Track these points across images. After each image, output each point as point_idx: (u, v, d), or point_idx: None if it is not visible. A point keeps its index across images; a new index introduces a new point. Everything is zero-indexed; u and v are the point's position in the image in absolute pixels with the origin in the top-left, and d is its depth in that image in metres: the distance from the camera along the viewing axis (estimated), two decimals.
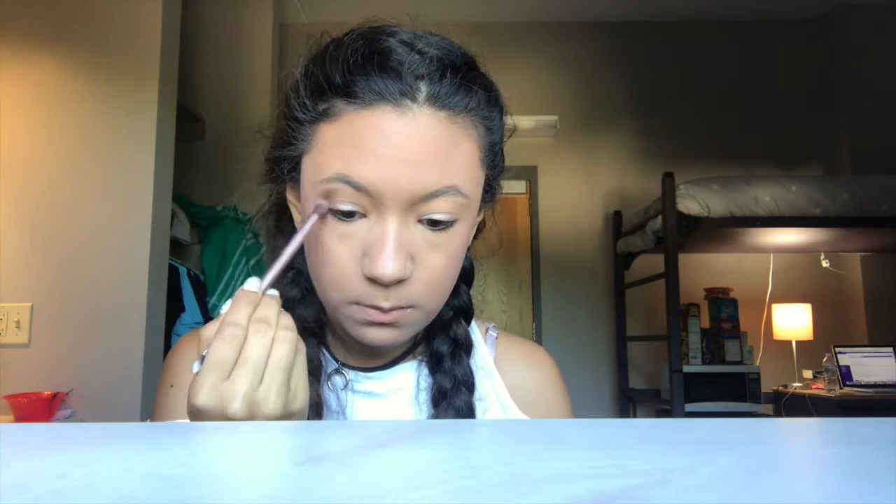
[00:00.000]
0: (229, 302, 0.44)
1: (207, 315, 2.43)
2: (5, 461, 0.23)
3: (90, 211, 1.93)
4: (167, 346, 2.18)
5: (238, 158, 2.80)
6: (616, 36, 3.70)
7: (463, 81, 0.49)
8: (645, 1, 3.53)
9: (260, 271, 2.64)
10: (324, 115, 0.49)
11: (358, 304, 0.50)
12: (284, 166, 0.54)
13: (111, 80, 1.99)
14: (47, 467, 0.23)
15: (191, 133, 2.74)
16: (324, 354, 0.60)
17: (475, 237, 0.62)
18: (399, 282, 0.49)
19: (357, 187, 0.47)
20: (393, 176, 0.46)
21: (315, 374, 0.56)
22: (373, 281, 0.48)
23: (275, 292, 0.45)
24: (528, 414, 0.62)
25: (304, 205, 0.52)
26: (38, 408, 1.76)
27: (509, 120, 0.58)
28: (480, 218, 0.59)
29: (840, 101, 3.55)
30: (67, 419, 1.83)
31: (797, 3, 3.58)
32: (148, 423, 0.34)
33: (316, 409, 0.55)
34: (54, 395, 1.79)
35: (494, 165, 0.55)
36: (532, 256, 3.56)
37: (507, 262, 3.58)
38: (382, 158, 0.46)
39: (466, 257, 0.62)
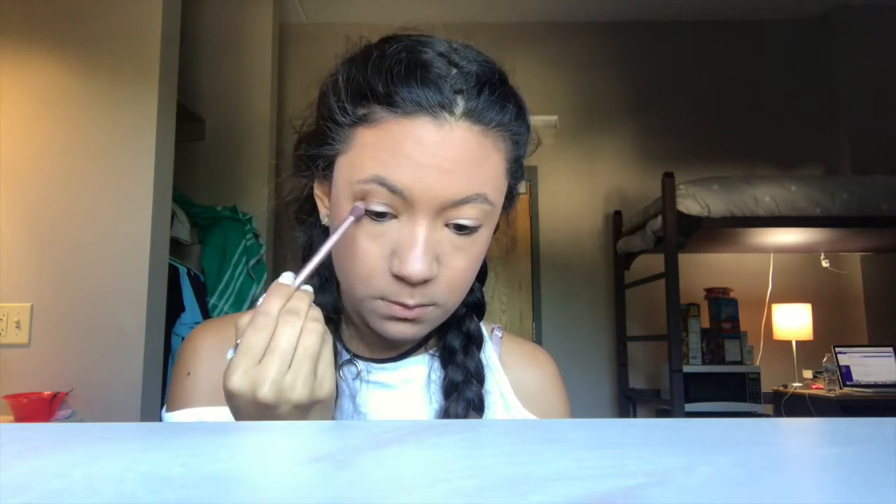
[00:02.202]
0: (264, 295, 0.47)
1: (207, 315, 2.43)
2: (5, 461, 0.23)
3: (90, 211, 1.93)
4: (167, 346, 2.18)
5: (238, 158, 2.81)
6: (616, 36, 3.70)
7: (497, 99, 0.52)
8: (645, 1, 3.53)
9: (260, 271, 2.64)
10: (363, 120, 0.52)
11: (384, 299, 0.53)
12: (319, 163, 0.56)
13: (111, 80, 1.99)
14: (47, 467, 0.23)
15: (191, 133, 2.74)
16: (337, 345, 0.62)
17: None
18: (425, 281, 0.52)
19: (392, 190, 0.50)
20: (427, 181, 0.49)
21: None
22: (400, 279, 0.51)
23: (309, 288, 0.49)
24: (528, 410, 0.65)
25: (336, 201, 0.54)
26: (38, 408, 1.76)
27: (534, 134, 0.61)
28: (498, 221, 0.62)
29: (840, 102, 3.55)
30: (67, 419, 1.83)
31: (797, 3, 3.58)
32: (148, 423, 0.34)
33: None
34: (54, 395, 1.79)
35: (517, 176, 0.58)
36: (532, 256, 3.56)
37: (507, 262, 3.58)
38: (418, 165, 0.49)
39: None
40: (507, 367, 0.67)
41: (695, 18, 3.70)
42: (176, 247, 2.45)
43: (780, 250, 3.34)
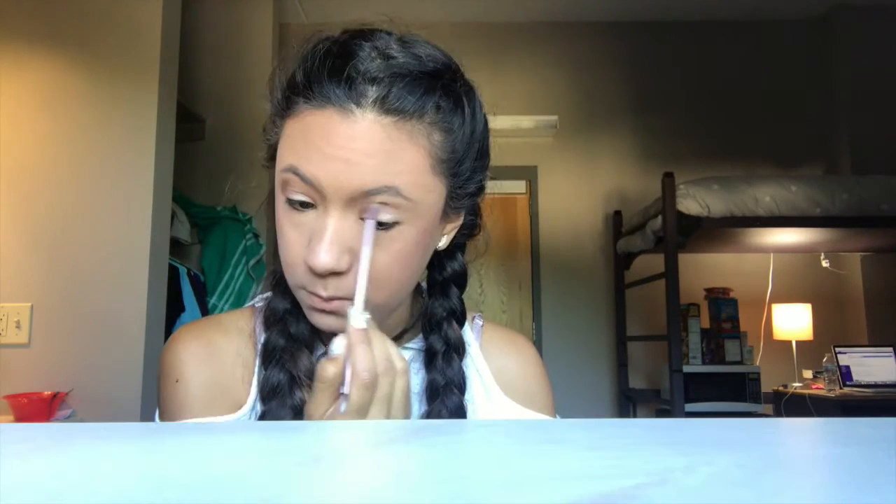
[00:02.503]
0: (338, 343, 0.48)
1: (207, 315, 2.43)
2: (5, 461, 0.23)
3: (90, 211, 1.93)
4: None
5: (238, 158, 2.81)
6: (616, 36, 3.70)
7: (417, 90, 0.51)
8: (645, 1, 3.53)
9: (260, 271, 2.64)
10: (288, 111, 0.53)
11: (304, 289, 0.54)
12: (265, 153, 0.58)
13: (111, 80, 1.99)
14: (47, 467, 0.23)
15: (191, 133, 2.73)
16: (317, 338, 0.62)
17: (462, 240, 0.64)
18: (336, 274, 0.52)
19: (304, 179, 0.51)
20: (333, 172, 0.50)
21: (312, 379, 0.58)
22: (312, 269, 0.52)
23: (367, 315, 0.49)
24: (510, 398, 0.65)
25: (276, 191, 0.55)
26: (38, 408, 1.76)
27: (491, 137, 0.60)
28: (457, 223, 0.60)
29: (840, 101, 3.55)
30: (67, 419, 1.83)
31: (797, 3, 3.58)
32: (148, 423, 0.34)
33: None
34: (54, 395, 1.79)
35: (458, 174, 0.55)
36: (532, 256, 3.56)
37: (507, 262, 3.58)
38: (325, 156, 0.50)
39: (458, 261, 0.65)
40: (488, 355, 0.67)
41: (695, 18, 3.70)
42: (176, 247, 2.45)
43: (780, 250, 3.34)
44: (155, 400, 0.65)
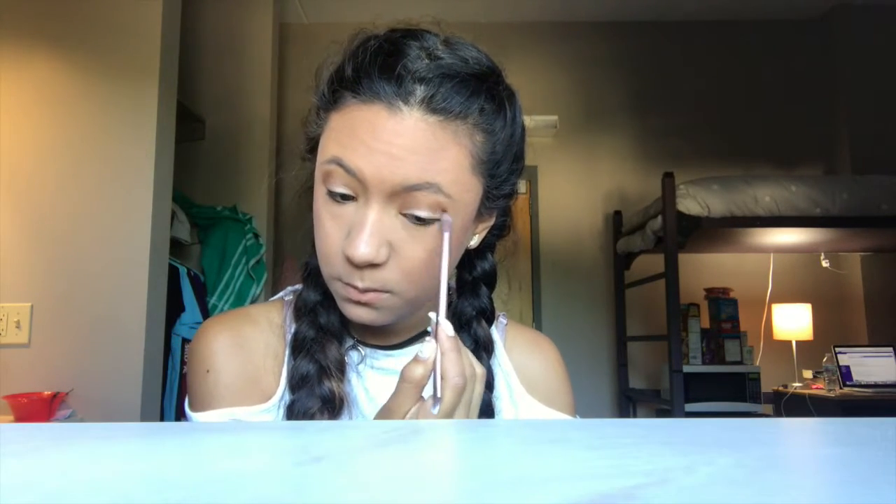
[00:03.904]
0: (429, 347, 0.49)
1: (207, 315, 2.43)
2: (5, 461, 0.23)
3: (90, 211, 1.93)
4: (167, 347, 2.18)
5: (238, 158, 2.81)
6: (616, 36, 3.70)
7: (464, 91, 0.52)
8: (645, 1, 3.53)
9: (260, 271, 2.64)
10: (334, 104, 0.54)
11: (340, 280, 0.54)
12: (305, 145, 0.60)
13: (111, 80, 1.99)
14: (47, 467, 0.23)
15: (191, 133, 2.73)
16: (345, 330, 0.63)
17: (493, 240, 0.66)
18: (373, 266, 0.52)
19: (348, 171, 0.51)
20: (377, 166, 0.51)
21: (341, 370, 0.60)
22: (349, 260, 0.52)
23: (449, 326, 0.50)
24: (532, 396, 0.66)
25: (315, 183, 0.56)
26: (38, 408, 1.76)
27: (528, 137, 0.61)
28: (489, 223, 0.62)
29: (840, 101, 3.55)
30: (67, 419, 1.83)
31: (797, 3, 3.58)
32: (148, 424, 0.34)
33: (340, 403, 0.59)
34: (54, 395, 1.79)
35: (495, 175, 0.57)
36: (532, 256, 3.56)
37: (507, 262, 3.57)
38: (370, 149, 0.51)
39: (489, 261, 0.67)
40: (512, 352, 0.68)
41: (695, 18, 3.70)
42: (176, 247, 2.45)
43: (780, 250, 3.34)
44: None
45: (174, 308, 2.25)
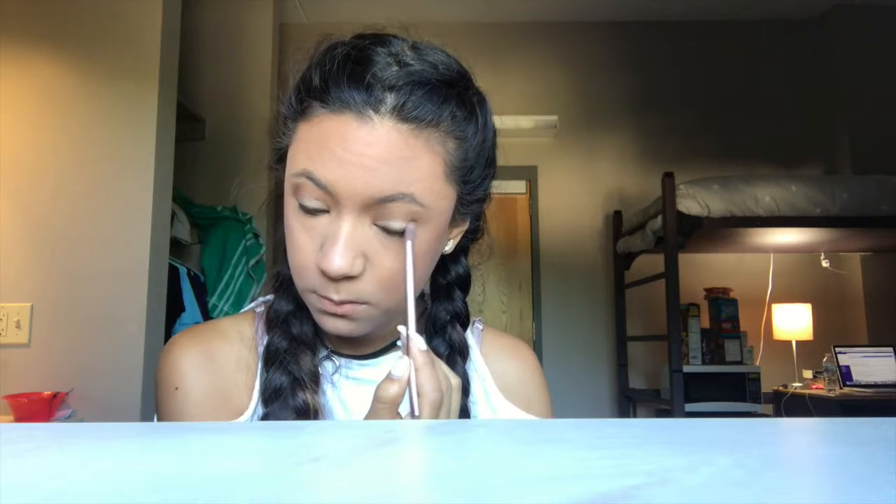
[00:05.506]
0: (402, 365, 0.48)
1: (207, 315, 2.43)
2: (5, 461, 0.23)
3: (90, 211, 1.93)
4: None
5: (238, 158, 2.81)
6: (616, 36, 3.70)
7: (435, 98, 0.51)
8: (645, 1, 3.53)
9: (260, 271, 2.64)
10: (302, 114, 0.53)
11: (315, 292, 0.54)
12: (273, 155, 0.58)
13: (111, 80, 1.99)
14: (47, 467, 0.23)
15: (191, 133, 2.73)
16: (319, 340, 0.62)
17: (466, 244, 0.64)
18: (349, 278, 0.52)
19: (318, 184, 0.50)
20: (349, 178, 0.50)
21: (315, 381, 0.59)
22: (324, 273, 0.52)
23: (421, 340, 0.49)
24: (510, 401, 0.66)
25: (285, 194, 0.55)
26: (38, 408, 1.76)
27: (500, 135, 0.60)
28: (464, 227, 0.61)
29: (840, 101, 3.55)
30: (67, 419, 1.83)
31: (797, 3, 3.58)
32: (148, 423, 0.34)
33: (315, 414, 0.58)
34: (54, 395, 1.79)
35: (468, 181, 0.56)
36: (532, 256, 3.56)
37: (507, 262, 3.58)
38: (341, 161, 0.50)
39: (462, 265, 0.65)
40: (489, 358, 0.68)
41: (695, 18, 3.70)
42: (176, 247, 2.45)
43: (780, 250, 3.34)
44: (154, 400, 0.65)
45: (174, 308, 2.24)
